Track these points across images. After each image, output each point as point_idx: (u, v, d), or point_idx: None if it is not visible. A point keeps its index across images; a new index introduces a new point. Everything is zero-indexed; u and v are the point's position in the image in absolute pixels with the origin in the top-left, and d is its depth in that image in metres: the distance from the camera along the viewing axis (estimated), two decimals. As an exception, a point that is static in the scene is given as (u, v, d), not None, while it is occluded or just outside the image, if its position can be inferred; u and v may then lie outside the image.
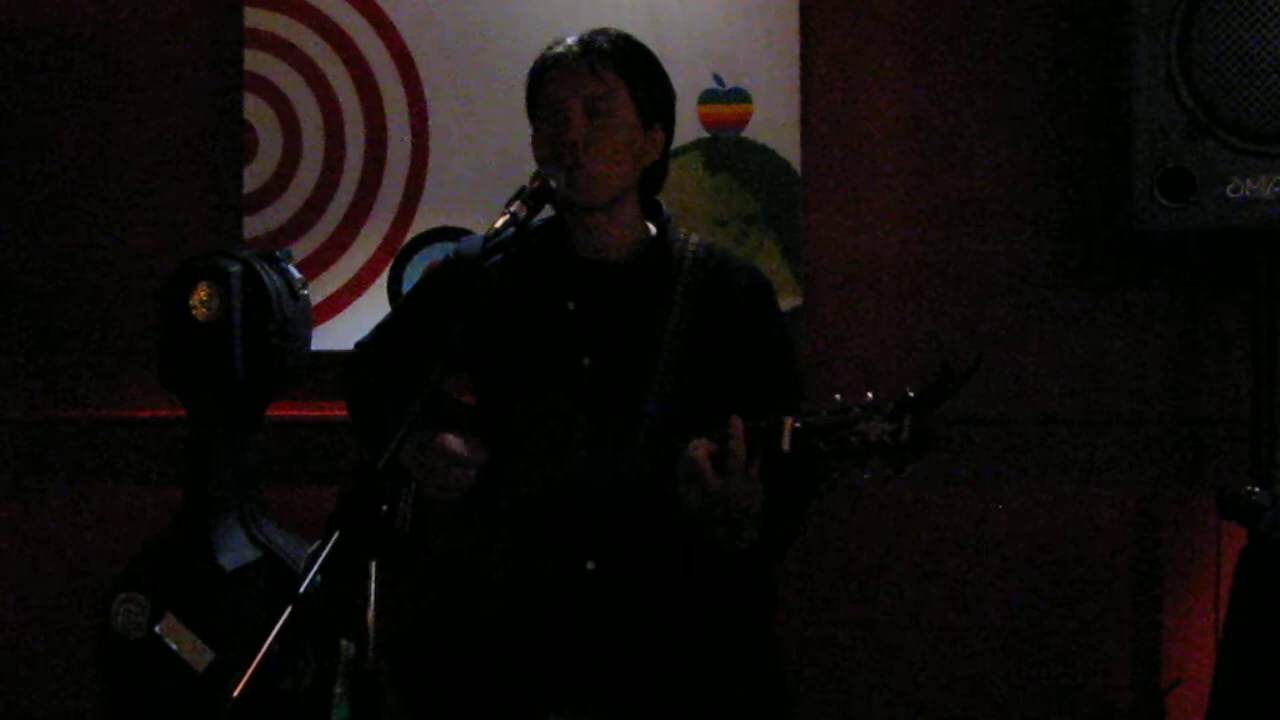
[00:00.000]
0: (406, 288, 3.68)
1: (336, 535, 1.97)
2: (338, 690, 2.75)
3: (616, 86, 2.35)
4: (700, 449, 2.13)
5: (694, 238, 2.47)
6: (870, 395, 2.06)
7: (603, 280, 2.40)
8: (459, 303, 2.33)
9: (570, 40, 2.39)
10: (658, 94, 2.42)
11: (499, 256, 2.34)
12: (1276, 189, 3.05)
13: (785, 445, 2.08)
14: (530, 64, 2.44)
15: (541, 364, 2.38)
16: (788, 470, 2.14)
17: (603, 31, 2.40)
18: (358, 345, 2.64)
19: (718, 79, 3.62)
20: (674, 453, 2.17)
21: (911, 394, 2.02)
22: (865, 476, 2.06)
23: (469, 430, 2.39)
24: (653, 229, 2.45)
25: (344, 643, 2.72)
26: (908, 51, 3.61)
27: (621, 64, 2.37)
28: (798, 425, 2.08)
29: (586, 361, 2.37)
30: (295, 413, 3.64)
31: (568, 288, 2.40)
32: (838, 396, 2.08)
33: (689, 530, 2.19)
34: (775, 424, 2.09)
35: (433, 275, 2.60)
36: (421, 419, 2.13)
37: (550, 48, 2.41)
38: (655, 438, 2.26)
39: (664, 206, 2.48)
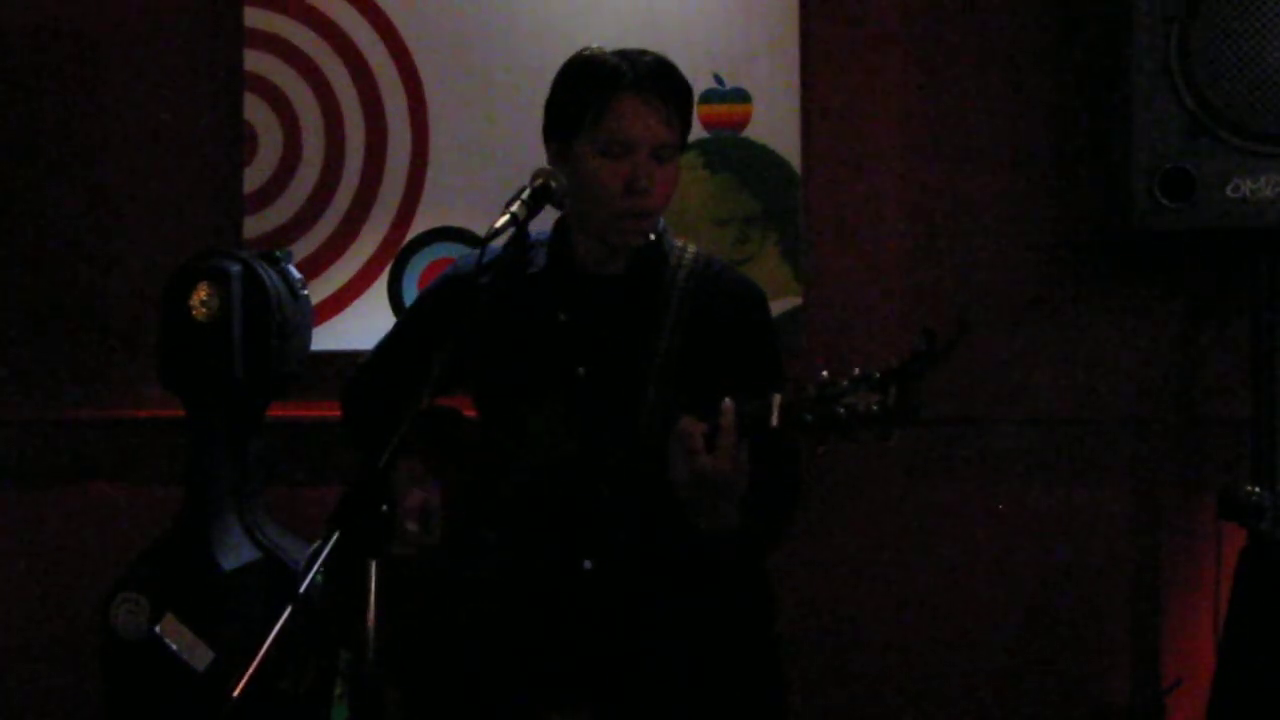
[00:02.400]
0: (407, 288, 3.69)
1: (336, 535, 1.97)
2: (338, 690, 2.75)
3: (678, 130, 2.38)
4: (693, 424, 2.14)
5: (690, 248, 2.47)
6: (856, 370, 2.07)
7: (597, 291, 2.41)
8: (454, 321, 2.32)
9: (648, 73, 2.34)
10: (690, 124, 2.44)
11: (491, 276, 2.35)
12: (1276, 189, 3.05)
13: (774, 420, 2.10)
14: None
15: (537, 374, 2.39)
16: (776, 455, 2.17)
17: (673, 69, 2.38)
18: (357, 369, 2.66)
19: (718, 79, 3.62)
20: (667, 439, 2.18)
21: (895, 363, 2.03)
22: (854, 442, 2.07)
23: (462, 442, 2.40)
24: (649, 236, 2.46)
25: (343, 643, 2.72)
26: (908, 51, 3.61)
27: (683, 105, 2.38)
28: (786, 401, 2.10)
29: (581, 370, 2.38)
30: (295, 413, 3.64)
31: (561, 300, 2.41)
32: (824, 373, 2.09)
33: (680, 518, 2.20)
34: (764, 402, 2.11)
35: (426, 297, 2.62)
36: (415, 434, 2.13)
37: (619, 68, 2.34)
38: (651, 444, 2.26)
39: (661, 219, 2.48)
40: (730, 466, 2.13)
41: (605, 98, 2.33)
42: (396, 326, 2.68)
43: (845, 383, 2.06)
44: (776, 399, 2.10)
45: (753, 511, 2.22)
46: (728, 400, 2.14)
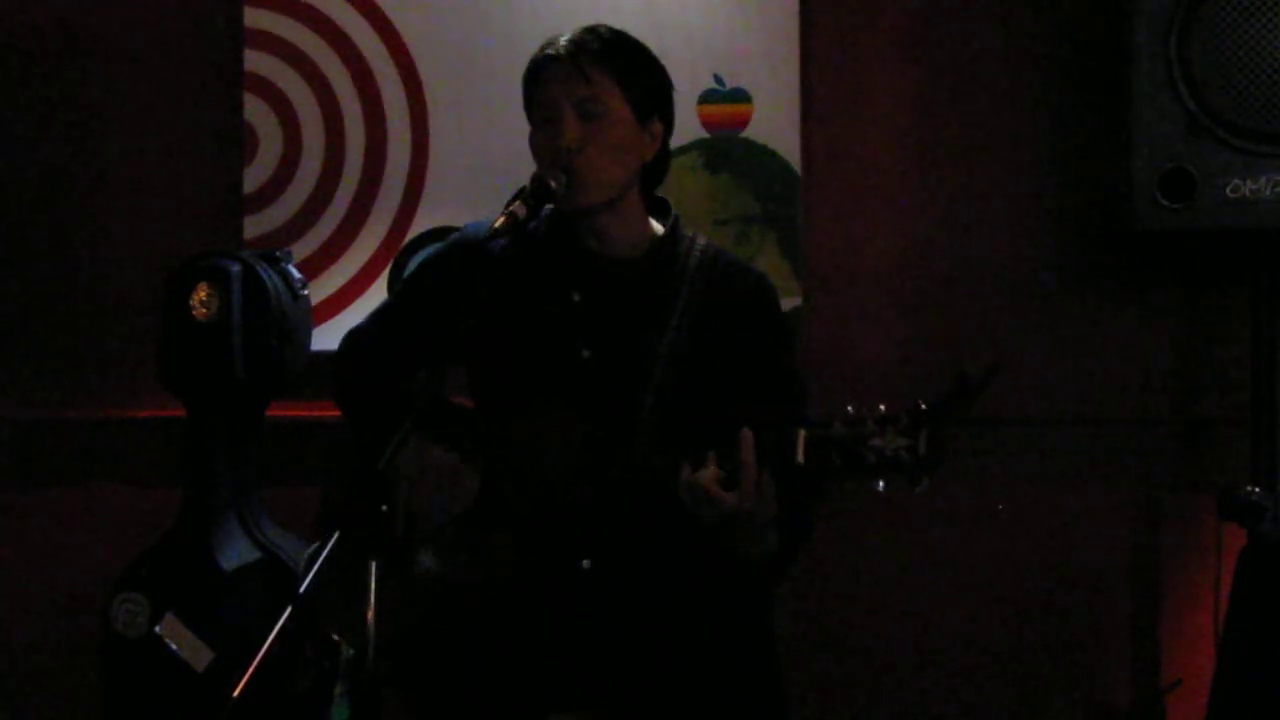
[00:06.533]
0: (407, 286, 3.69)
1: (336, 535, 1.97)
2: (338, 690, 2.75)
3: (607, 85, 2.34)
4: (704, 472, 2.13)
5: (701, 239, 2.47)
6: (883, 407, 2.04)
7: (609, 275, 2.40)
8: (459, 290, 2.32)
9: (560, 41, 2.38)
10: (652, 87, 2.40)
11: (502, 243, 2.33)
12: (1276, 189, 3.05)
13: (800, 458, 2.07)
14: (527, 63, 2.44)
15: (540, 355, 2.38)
16: (799, 479, 2.13)
17: (592, 30, 2.39)
18: (350, 333, 2.62)
19: (718, 79, 3.62)
20: (676, 460, 2.17)
21: (925, 406, 2.01)
22: (879, 489, 2.05)
23: (465, 438, 2.39)
24: (659, 227, 2.45)
25: (344, 643, 2.71)
26: (908, 51, 3.61)
27: (611, 61, 2.35)
28: (812, 438, 2.07)
29: (586, 354, 2.37)
30: (295, 413, 3.64)
31: (573, 279, 2.40)
32: (850, 408, 2.06)
33: (704, 538, 2.19)
34: (789, 436, 2.08)
35: (432, 262, 2.59)
36: (419, 421, 2.12)
37: (541, 49, 2.40)
38: (653, 438, 2.26)
39: (672, 206, 2.48)
40: (754, 500, 2.11)
41: (531, 77, 2.39)
42: (399, 293, 2.65)
43: (872, 422, 2.02)
44: (801, 434, 2.07)
45: (787, 527, 2.21)
46: (746, 431, 2.11)
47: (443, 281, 2.46)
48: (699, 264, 2.41)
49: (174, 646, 3.28)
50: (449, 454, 2.37)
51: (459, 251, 2.48)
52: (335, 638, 2.65)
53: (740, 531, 2.15)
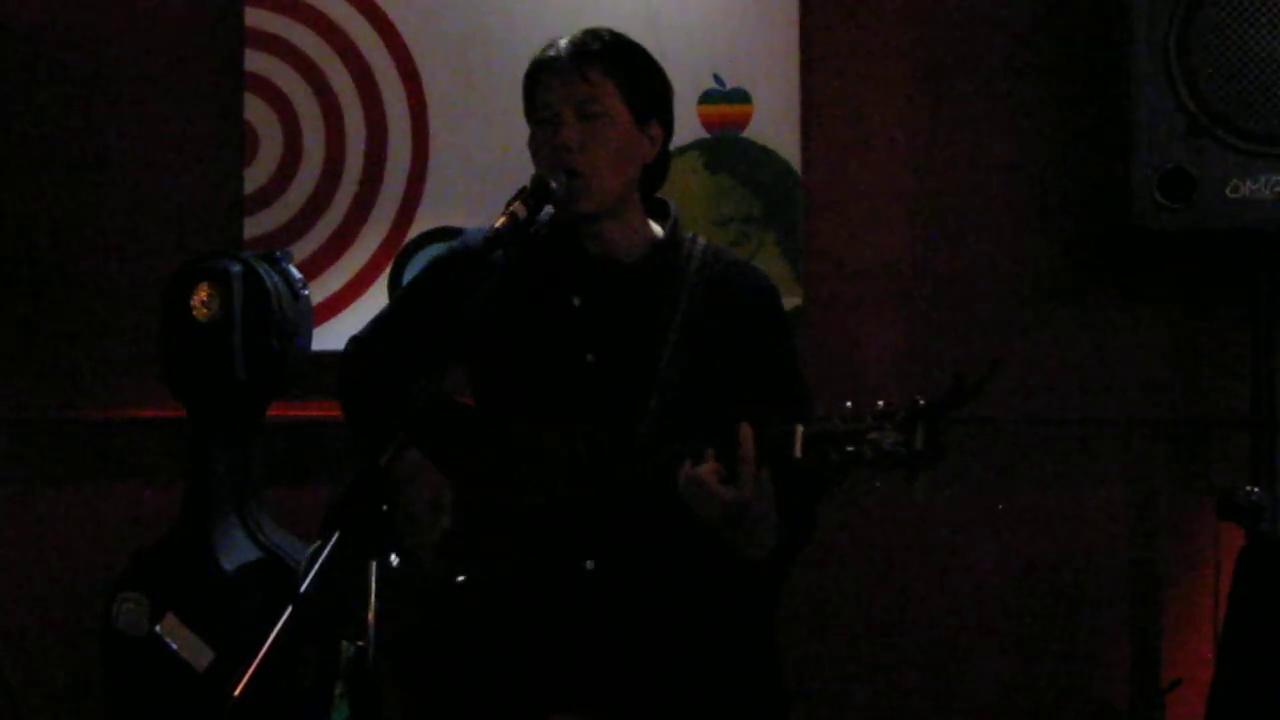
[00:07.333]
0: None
1: (336, 535, 1.97)
2: (338, 690, 2.75)
3: (607, 87, 2.34)
4: (704, 466, 2.13)
5: (701, 240, 2.47)
6: (881, 403, 2.05)
7: (610, 278, 2.40)
8: (460, 296, 2.32)
9: (560, 43, 2.38)
10: (651, 90, 2.41)
11: (502, 251, 2.33)
12: (1277, 189, 3.05)
13: (797, 453, 2.08)
14: (526, 63, 2.44)
15: (544, 359, 2.38)
16: (798, 475, 2.14)
17: (592, 32, 2.39)
18: (352, 340, 2.62)
19: (718, 79, 3.63)
20: (677, 458, 2.17)
21: (923, 402, 2.01)
22: (876, 485, 2.06)
23: (464, 442, 2.40)
24: (658, 229, 2.45)
25: (344, 643, 2.71)
26: (908, 51, 3.61)
27: (611, 63, 2.36)
28: (809, 433, 2.08)
29: (590, 358, 2.37)
30: (295, 413, 3.64)
31: (574, 284, 2.40)
32: (848, 404, 2.07)
33: (704, 536, 2.19)
34: (787, 431, 2.09)
35: (433, 268, 2.59)
36: (420, 422, 2.12)
37: (542, 51, 2.40)
38: (656, 440, 2.26)
39: (672, 207, 2.48)
40: (753, 495, 2.11)
41: (531, 79, 2.39)
42: (399, 299, 2.65)
43: (869, 418, 2.03)
44: (799, 430, 2.08)
45: (787, 526, 2.21)
46: (746, 426, 2.11)
47: (442, 287, 2.46)
48: (700, 266, 2.41)
49: (174, 646, 3.28)
50: (424, 494, 2.37)
51: (459, 257, 2.48)
52: (335, 638, 2.65)
53: (739, 528, 2.15)
